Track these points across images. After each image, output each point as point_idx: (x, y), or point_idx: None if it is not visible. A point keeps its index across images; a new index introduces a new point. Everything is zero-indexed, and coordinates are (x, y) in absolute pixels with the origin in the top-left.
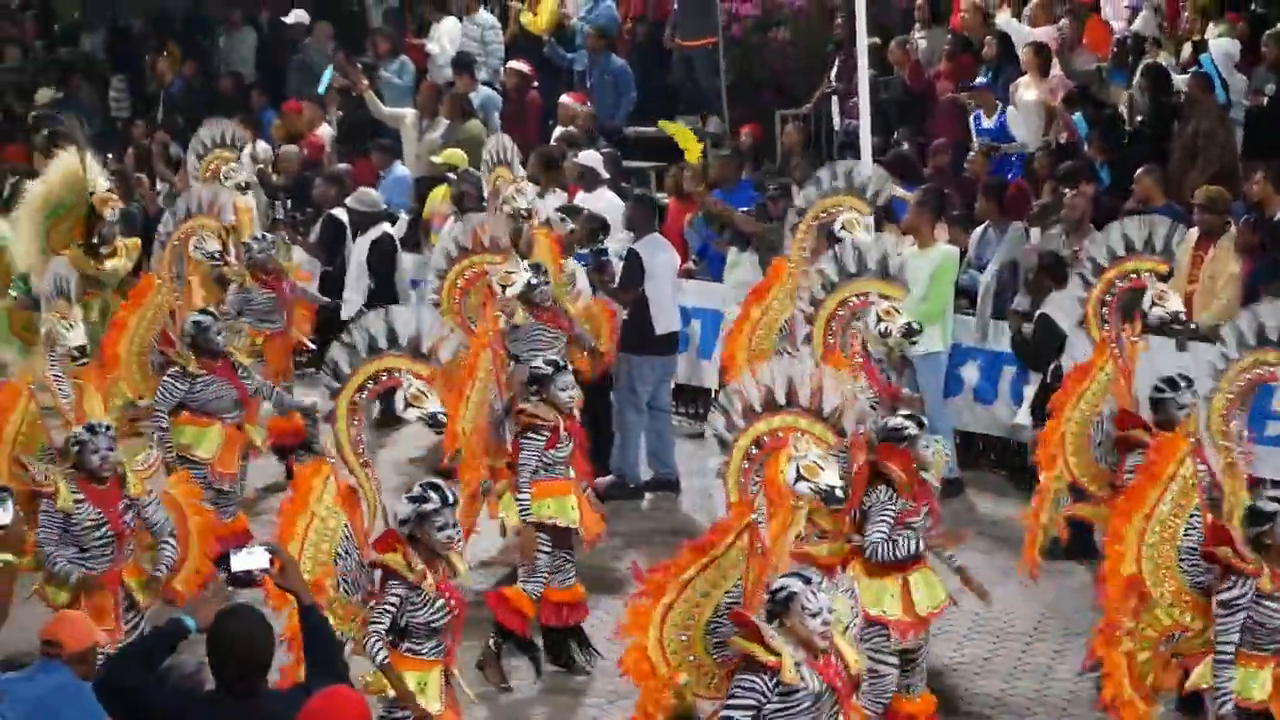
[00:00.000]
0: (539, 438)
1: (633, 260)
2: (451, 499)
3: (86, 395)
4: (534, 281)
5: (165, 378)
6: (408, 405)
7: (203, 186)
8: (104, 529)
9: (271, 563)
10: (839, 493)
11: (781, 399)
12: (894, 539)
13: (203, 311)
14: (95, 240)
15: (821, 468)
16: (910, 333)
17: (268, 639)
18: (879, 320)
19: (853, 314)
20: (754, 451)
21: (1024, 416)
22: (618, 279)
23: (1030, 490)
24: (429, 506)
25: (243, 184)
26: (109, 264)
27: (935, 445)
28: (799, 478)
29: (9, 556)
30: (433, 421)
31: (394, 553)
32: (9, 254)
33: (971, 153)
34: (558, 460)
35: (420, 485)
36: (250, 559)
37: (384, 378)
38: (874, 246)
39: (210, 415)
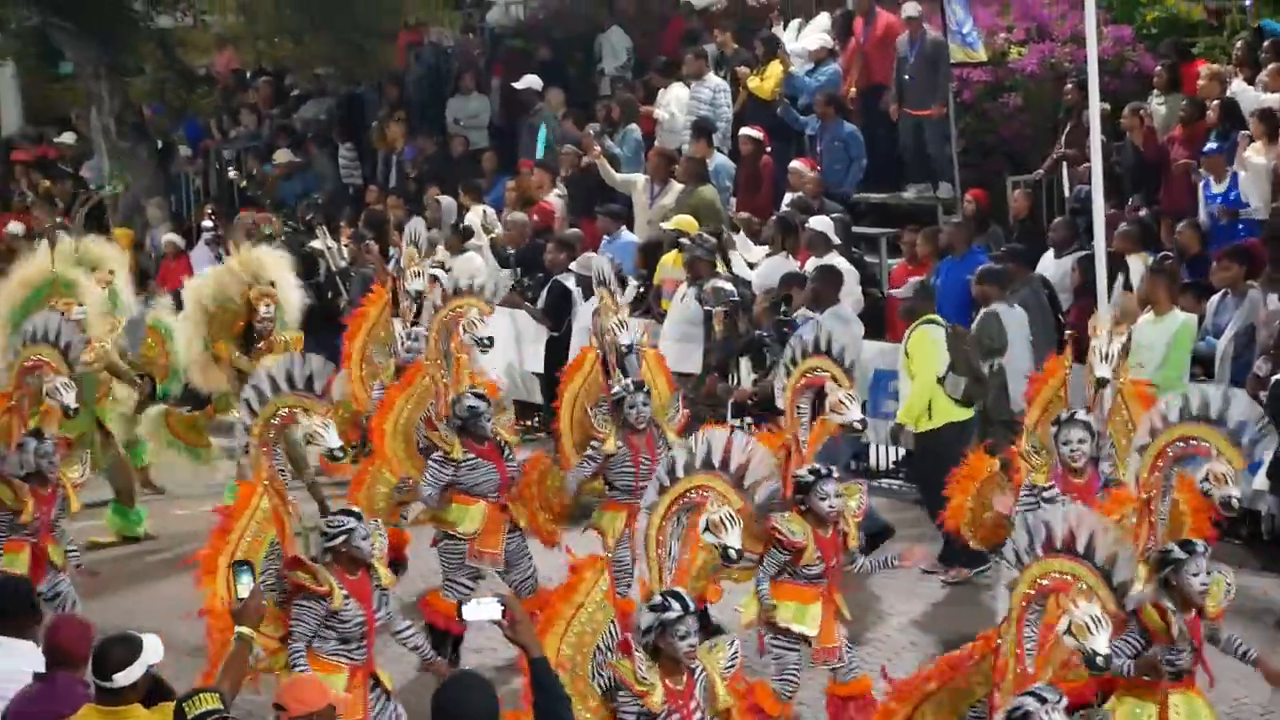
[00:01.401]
0: (782, 554)
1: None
2: (692, 607)
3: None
4: (633, 400)
5: (431, 462)
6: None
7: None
8: (364, 622)
9: (503, 614)
10: (732, 553)
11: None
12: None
13: (476, 395)
14: (253, 336)
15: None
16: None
17: (494, 704)
18: None
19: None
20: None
21: (1261, 483)
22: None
23: (1270, 558)
24: (670, 615)
25: (417, 292)
26: (265, 360)
27: (1216, 579)
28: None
29: (247, 630)
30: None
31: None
32: (172, 347)
33: (1181, 224)
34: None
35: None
36: (482, 610)
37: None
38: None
39: (475, 495)
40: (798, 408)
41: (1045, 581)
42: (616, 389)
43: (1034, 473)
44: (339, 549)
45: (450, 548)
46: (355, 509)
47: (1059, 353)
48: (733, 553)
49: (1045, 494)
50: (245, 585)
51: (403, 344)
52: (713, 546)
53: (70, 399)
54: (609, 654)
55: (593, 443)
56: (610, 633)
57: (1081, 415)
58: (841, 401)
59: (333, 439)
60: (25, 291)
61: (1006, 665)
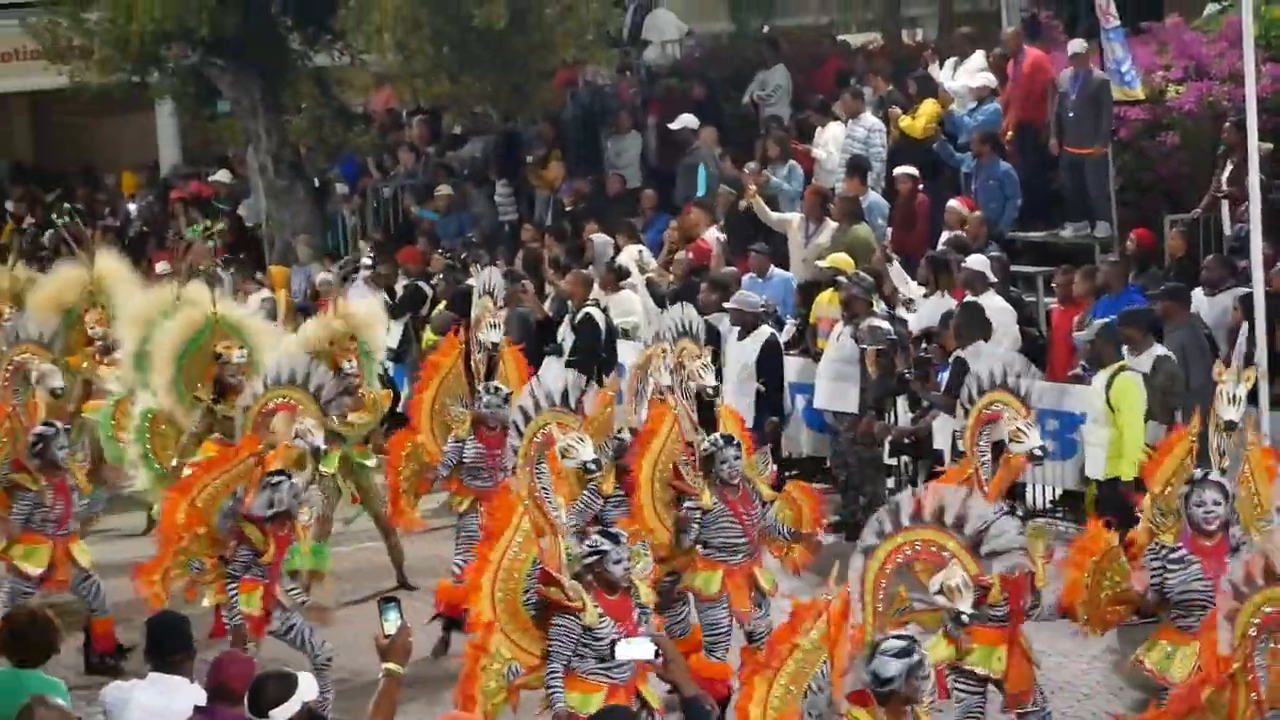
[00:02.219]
0: None
1: (958, 368)
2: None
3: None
4: (724, 454)
5: (686, 508)
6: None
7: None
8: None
9: (655, 654)
10: (965, 619)
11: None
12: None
13: (725, 439)
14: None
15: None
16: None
17: None
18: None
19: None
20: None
21: None
22: (944, 386)
23: None
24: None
25: (493, 344)
26: (352, 418)
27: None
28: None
29: (394, 666)
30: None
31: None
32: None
33: None
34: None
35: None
36: (635, 649)
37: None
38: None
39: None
40: (978, 445)
41: (1269, 609)
42: (705, 444)
43: (1162, 533)
44: (593, 569)
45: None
46: (617, 530)
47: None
48: (965, 619)
49: (1172, 555)
50: (392, 622)
51: (482, 398)
52: (945, 610)
53: (319, 440)
54: (819, 693)
55: (688, 502)
56: (822, 673)
57: (1215, 476)
58: (1020, 430)
59: (587, 453)
60: (188, 333)
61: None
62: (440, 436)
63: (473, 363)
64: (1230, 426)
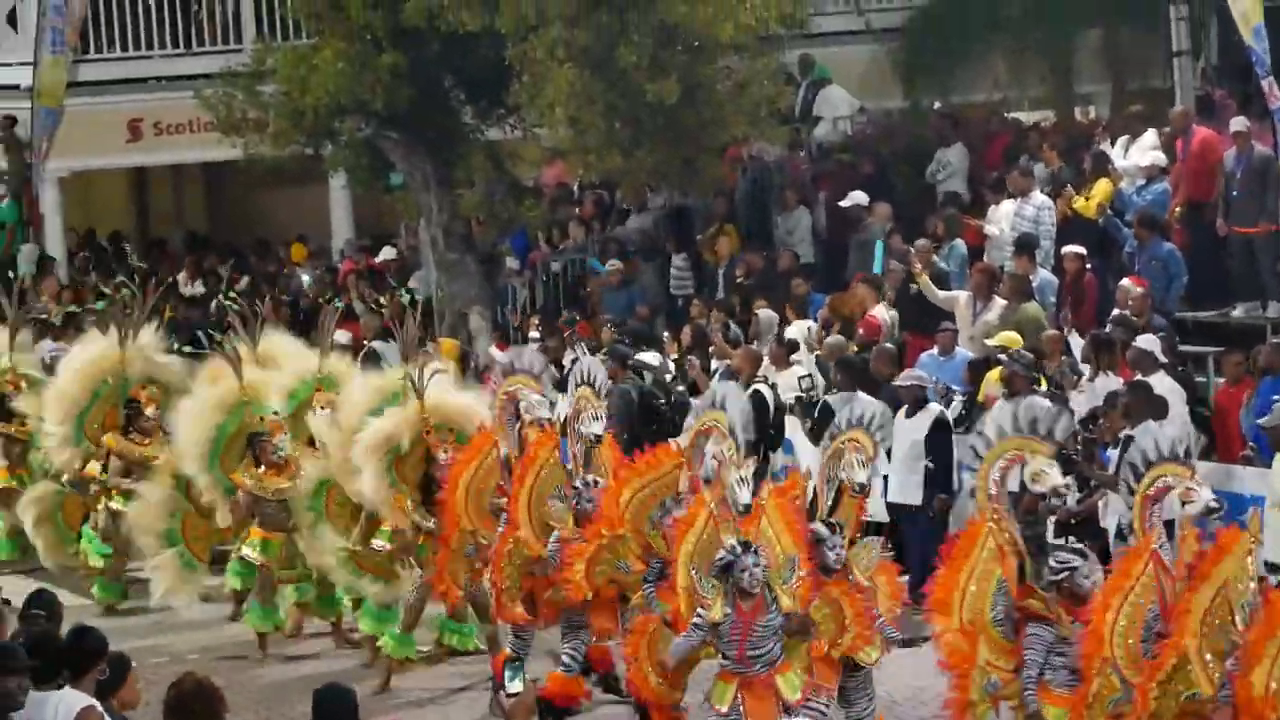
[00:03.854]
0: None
1: (1129, 448)
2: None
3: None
4: (743, 563)
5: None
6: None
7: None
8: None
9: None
10: None
11: None
12: None
13: (827, 525)
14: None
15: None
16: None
17: None
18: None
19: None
20: None
21: None
22: (1112, 466)
23: None
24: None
25: (595, 436)
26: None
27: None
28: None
29: None
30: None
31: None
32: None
33: None
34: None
35: None
36: None
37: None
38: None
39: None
40: (1149, 523)
41: None
42: (722, 551)
43: None
44: (1061, 584)
45: None
46: (1080, 547)
47: None
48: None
49: None
50: (516, 685)
51: (582, 493)
52: None
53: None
54: None
55: (699, 610)
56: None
57: None
58: (1190, 489)
59: (1057, 477)
60: (377, 399)
61: None
62: (539, 531)
63: (570, 454)
64: None
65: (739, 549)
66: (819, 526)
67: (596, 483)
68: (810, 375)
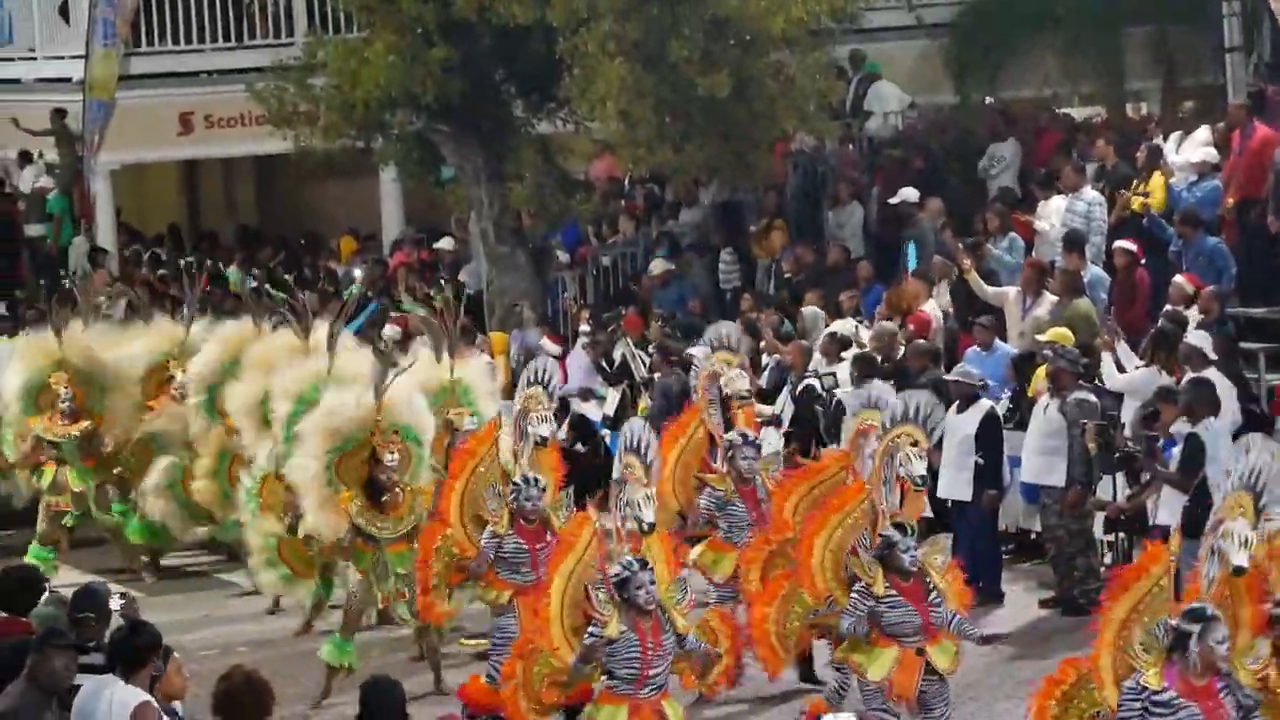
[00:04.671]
0: None
1: (1193, 444)
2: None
3: None
4: (639, 579)
5: (853, 593)
6: None
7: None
8: None
9: None
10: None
11: None
12: None
13: (897, 527)
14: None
15: None
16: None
17: None
18: None
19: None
20: None
21: None
22: (1174, 464)
23: None
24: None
25: (541, 437)
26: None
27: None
28: None
29: None
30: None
31: None
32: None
33: None
34: None
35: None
36: None
37: None
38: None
39: (891, 637)
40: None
41: None
42: (616, 566)
43: (1145, 673)
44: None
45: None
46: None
47: None
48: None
49: (1155, 698)
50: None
51: (521, 490)
52: None
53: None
54: None
55: (592, 626)
56: None
57: (1212, 610)
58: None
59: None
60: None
61: None
62: (473, 528)
63: (513, 452)
64: (1239, 572)
65: (635, 565)
66: (889, 530)
67: (538, 480)
68: (833, 373)
